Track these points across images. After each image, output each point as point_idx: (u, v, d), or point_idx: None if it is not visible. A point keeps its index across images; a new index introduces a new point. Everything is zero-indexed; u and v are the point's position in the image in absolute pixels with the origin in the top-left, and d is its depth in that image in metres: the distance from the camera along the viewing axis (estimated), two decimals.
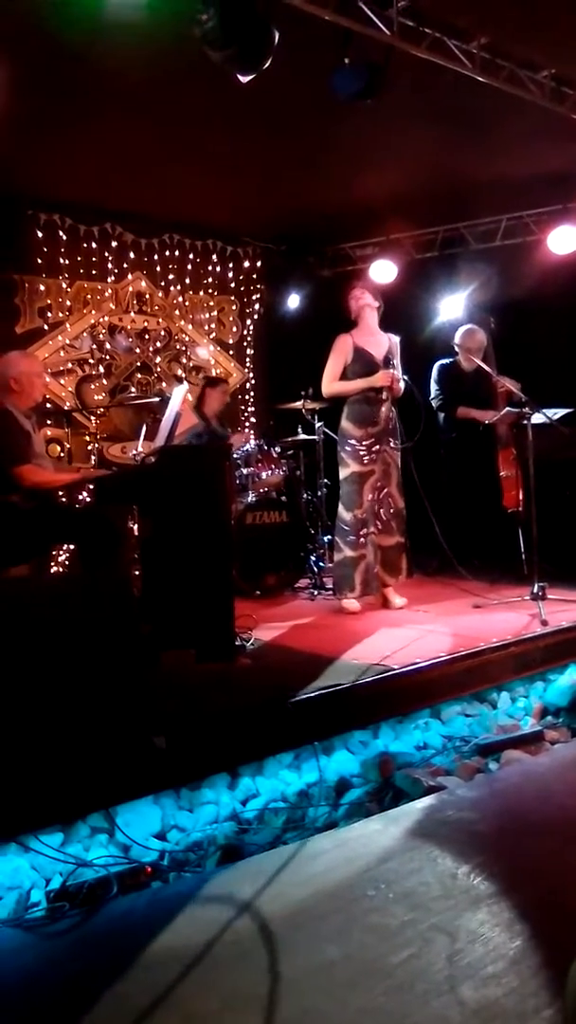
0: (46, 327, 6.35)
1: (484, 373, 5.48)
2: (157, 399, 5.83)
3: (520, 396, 4.81)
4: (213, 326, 7.37)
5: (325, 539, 6.05)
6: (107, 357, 6.69)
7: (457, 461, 5.89)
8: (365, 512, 4.75)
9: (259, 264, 7.58)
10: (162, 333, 7.02)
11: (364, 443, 4.74)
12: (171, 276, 7.01)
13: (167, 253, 6.97)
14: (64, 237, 6.36)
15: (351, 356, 4.81)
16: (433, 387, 5.93)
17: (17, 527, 3.80)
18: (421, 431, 4.72)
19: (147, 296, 6.92)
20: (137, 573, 4.28)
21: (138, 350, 6.86)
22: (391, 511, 4.84)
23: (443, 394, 5.91)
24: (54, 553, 5.88)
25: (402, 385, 4.78)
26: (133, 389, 6.80)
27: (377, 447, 4.76)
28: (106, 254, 6.61)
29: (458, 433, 5.87)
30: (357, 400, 4.78)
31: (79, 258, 6.47)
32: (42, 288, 6.33)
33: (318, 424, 6.05)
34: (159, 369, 6.98)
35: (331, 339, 4.87)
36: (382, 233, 6.93)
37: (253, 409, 7.61)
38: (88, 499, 5.87)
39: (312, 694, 3.16)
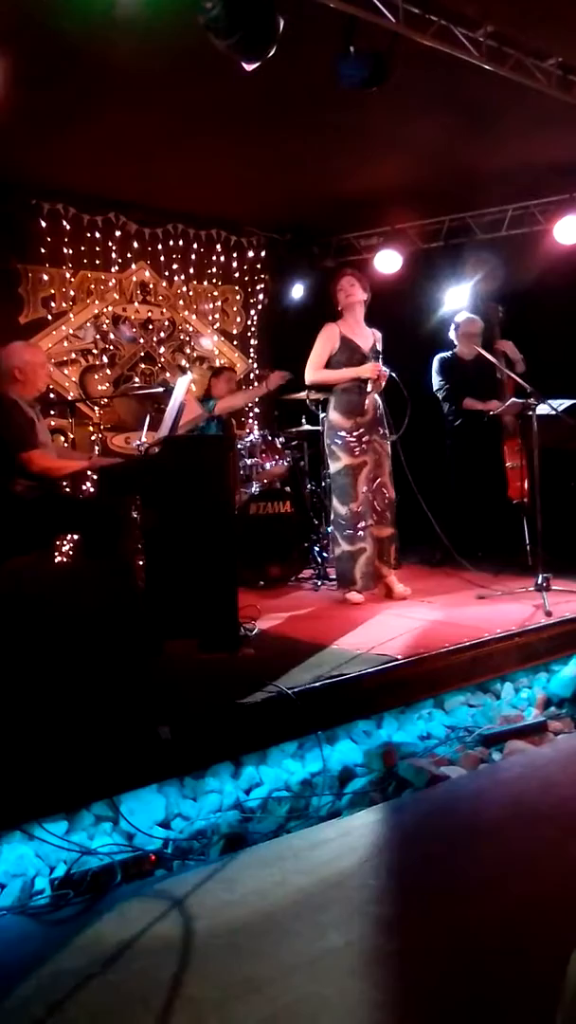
0: (50, 317, 6.34)
1: (485, 361, 5.47)
2: (161, 389, 5.82)
3: (525, 385, 4.78)
4: (217, 316, 7.35)
5: (329, 530, 6.04)
6: (111, 347, 6.68)
7: (462, 451, 5.88)
8: (361, 504, 4.74)
9: (263, 254, 7.55)
10: (166, 323, 7.00)
11: (354, 434, 4.74)
12: (175, 266, 6.99)
13: (171, 243, 6.94)
14: (68, 226, 6.34)
15: (338, 345, 4.81)
16: (436, 379, 5.92)
17: (21, 517, 3.80)
18: (406, 425, 4.71)
19: (151, 286, 6.90)
20: (141, 563, 4.28)
21: (142, 340, 6.85)
22: (385, 501, 4.83)
23: (447, 384, 5.90)
24: (58, 543, 5.89)
25: (383, 381, 4.78)
26: (137, 379, 6.79)
27: (367, 438, 4.76)
28: (110, 244, 6.59)
29: (463, 422, 5.86)
30: (344, 390, 4.78)
31: (83, 248, 6.44)
32: (46, 278, 6.32)
33: (322, 415, 6.03)
34: (163, 359, 6.97)
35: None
36: (387, 223, 6.89)
37: (257, 400, 7.59)
38: (92, 489, 5.89)
39: (316, 684, 3.17)
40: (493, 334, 5.93)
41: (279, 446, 5.94)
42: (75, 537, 5.76)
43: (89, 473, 5.29)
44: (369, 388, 4.74)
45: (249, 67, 3.42)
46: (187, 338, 7.14)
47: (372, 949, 1.91)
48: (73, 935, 2.07)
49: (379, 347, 4.84)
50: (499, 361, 5.77)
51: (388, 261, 6.61)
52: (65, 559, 5.93)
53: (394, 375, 4.75)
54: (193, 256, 7.09)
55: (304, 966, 1.87)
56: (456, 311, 6.24)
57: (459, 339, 5.92)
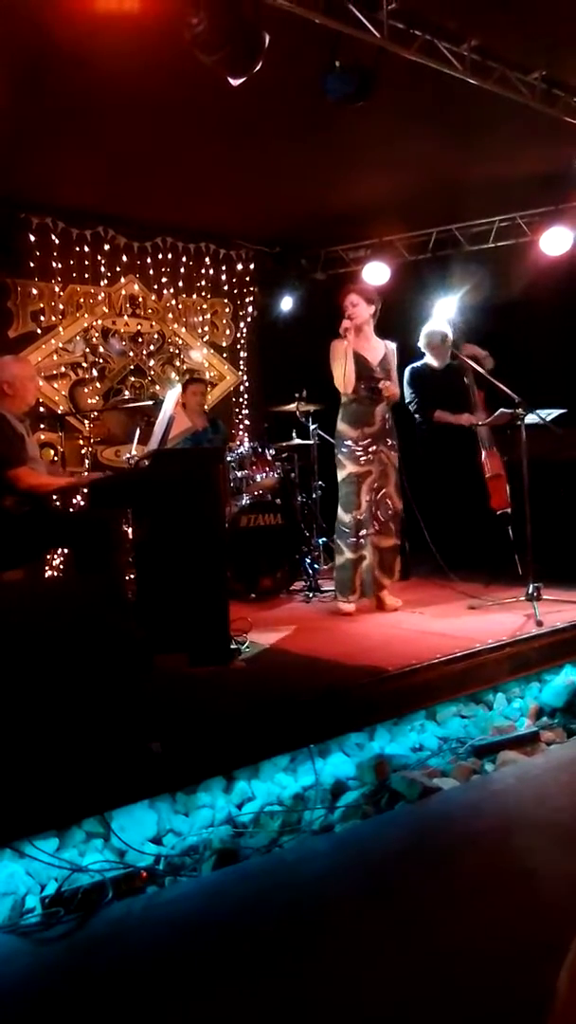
0: (39, 331, 6.35)
1: (455, 370, 5.48)
2: (151, 402, 5.83)
3: (513, 396, 4.79)
4: (206, 329, 7.37)
5: (320, 541, 6.04)
6: (100, 361, 6.69)
7: (436, 461, 5.86)
8: (363, 513, 4.74)
9: (252, 267, 7.59)
10: (155, 336, 7.02)
11: (360, 444, 4.75)
12: (164, 279, 7.01)
13: (160, 256, 6.97)
14: (57, 240, 6.36)
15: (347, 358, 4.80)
16: (406, 391, 5.91)
17: (10, 532, 3.79)
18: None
19: (140, 299, 6.92)
20: (131, 577, 4.27)
21: (131, 353, 6.86)
22: (389, 512, 4.83)
23: (417, 397, 5.91)
24: (48, 557, 5.87)
25: (397, 390, 4.80)
26: (127, 392, 6.80)
27: (373, 448, 4.77)
28: (99, 257, 6.61)
29: (436, 434, 5.86)
30: (352, 401, 4.79)
31: (72, 261, 6.47)
32: (35, 292, 6.33)
33: (312, 426, 6.05)
34: (153, 372, 6.98)
35: (325, 341, 4.85)
36: (375, 235, 6.94)
37: (247, 412, 7.61)
38: (82, 503, 5.87)
39: (307, 697, 3.16)
40: (457, 345, 5.92)
41: (269, 458, 5.94)
42: (65, 551, 5.75)
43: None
44: (378, 397, 4.74)
45: (235, 82, 3.45)
46: (177, 351, 7.15)
47: (363, 961, 1.90)
48: (64, 953, 2.06)
49: (391, 360, 4.84)
50: (468, 367, 5.77)
51: (376, 273, 6.65)
52: (55, 574, 5.91)
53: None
54: (182, 269, 7.12)
55: (299, 981, 1.85)
56: (449, 321, 6.26)
57: (427, 350, 5.94)
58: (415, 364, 5.98)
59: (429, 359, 5.94)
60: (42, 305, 6.36)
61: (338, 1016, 1.74)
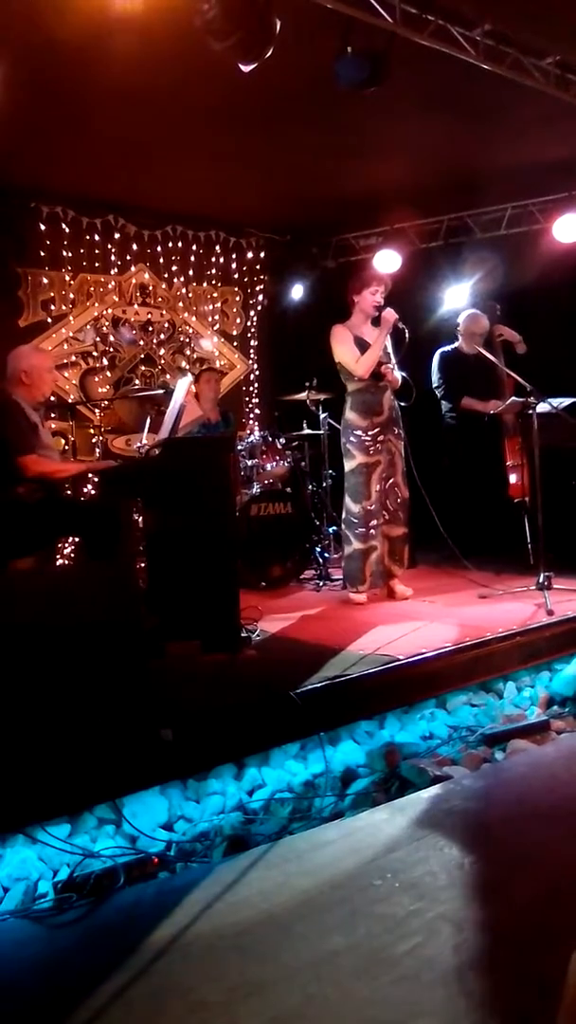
0: (49, 320, 6.35)
1: (486, 357, 5.45)
2: (161, 391, 5.83)
3: (525, 384, 4.77)
4: (217, 318, 7.35)
5: (330, 530, 6.04)
6: (111, 350, 6.68)
7: (461, 449, 5.85)
8: (374, 503, 4.74)
9: (262, 255, 7.55)
10: (166, 325, 7.01)
11: (370, 433, 4.73)
12: (174, 268, 6.99)
13: (170, 245, 6.95)
14: (67, 230, 6.35)
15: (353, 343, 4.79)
16: (435, 375, 5.89)
17: (22, 520, 3.81)
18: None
19: (150, 288, 6.91)
20: (142, 565, 4.28)
21: (142, 342, 6.85)
22: (398, 501, 4.83)
23: (445, 382, 5.88)
24: (59, 545, 5.89)
25: (398, 375, 4.77)
26: (137, 381, 6.79)
27: (382, 437, 4.76)
28: (109, 246, 6.60)
29: (461, 420, 5.84)
30: (361, 390, 4.77)
31: (82, 250, 6.46)
32: (45, 281, 6.32)
33: (322, 415, 6.04)
34: (163, 361, 6.97)
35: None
36: (386, 223, 6.89)
37: (257, 400, 7.60)
38: (93, 492, 5.89)
39: (318, 685, 3.17)
40: (491, 330, 5.92)
41: (280, 447, 5.93)
42: (76, 540, 5.77)
43: (91, 476, 5.30)
44: (384, 384, 4.72)
45: (246, 68, 3.42)
46: (187, 340, 7.14)
47: (376, 951, 1.91)
48: (76, 938, 2.07)
49: (389, 346, 4.83)
50: (499, 349, 5.74)
51: (387, 261, 6.61)
52: (66, 561, 5.94)
53: (404, 375, 4.77)
54: (192, 258, 7.10)
55: (308, 968, 1.86)
56: (455, 310, 6.23)
57: (463, 335, 5.90)
58: (445, 349, 5.94)
59: (462, 344, 5.90)
60: (52, 294, 6.36)
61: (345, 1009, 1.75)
